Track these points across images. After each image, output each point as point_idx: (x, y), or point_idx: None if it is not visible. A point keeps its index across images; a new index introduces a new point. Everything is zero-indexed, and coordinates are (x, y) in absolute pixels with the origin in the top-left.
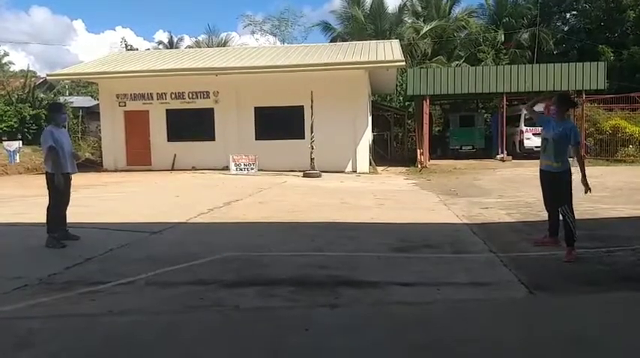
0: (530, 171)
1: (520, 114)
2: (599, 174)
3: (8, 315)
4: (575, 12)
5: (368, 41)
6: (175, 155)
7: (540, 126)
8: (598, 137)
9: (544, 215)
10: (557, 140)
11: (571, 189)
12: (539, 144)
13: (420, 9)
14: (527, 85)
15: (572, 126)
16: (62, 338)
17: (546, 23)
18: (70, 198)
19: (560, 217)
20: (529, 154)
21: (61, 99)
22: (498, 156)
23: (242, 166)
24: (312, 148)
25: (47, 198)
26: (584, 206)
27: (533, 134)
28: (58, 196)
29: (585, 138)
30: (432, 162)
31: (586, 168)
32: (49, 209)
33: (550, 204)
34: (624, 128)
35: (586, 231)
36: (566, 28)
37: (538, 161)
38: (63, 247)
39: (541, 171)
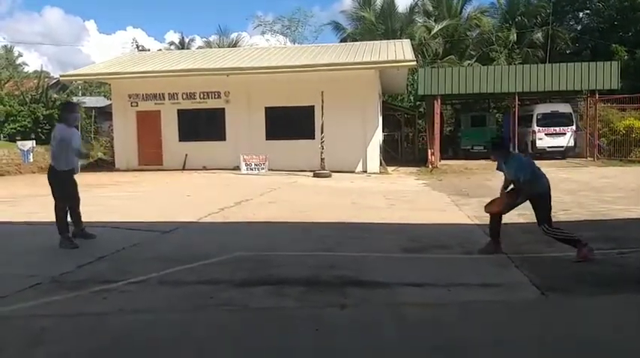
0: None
1: (532, 114)
2: (613, 174)
3: (22, 313)
4: (588, 11)
5: (379, 41)
6: (187, 155)
7: (555, 125)
8: (611, 137)
9: (556, 216)
10: (515, 181)
11: (549, 205)
12: (551, 144)
13: (431, 8)
14: (540, 85)
15: (512, 161)
16: (74, 337)
17: (559, 22)
18: (80, 196)
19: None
20: (541, 154)
21: (74, 99)
22: None
23: (252, 166)
24: (323, 148)
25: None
26: (597, 206)
27: (546, 134)
28: (64, 193)
29: (599, 138)
30: (443, 162)
31: (599, 168)
32: (56, 208)
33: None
34: (638, 128)
35: (599, 232)
36: (579, 28)
37: (550, 161)
38: (75, 248)
39: None
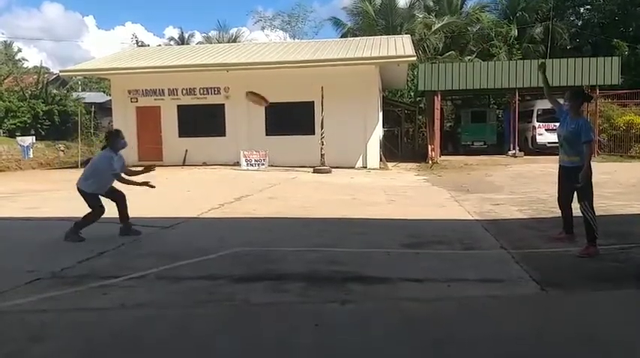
0: (542, 167)
1: (533, 110)
2: (613, 170)
3: (22, 308)
4: (589, 6)
5: (379, 36)
6: (186, 151)
7: (558, 119)
8: (612, 133)
9: (557, 211)
10: (570, 137)
11: (591, 186)
12: (551, 140)
13: (431, 4)
14: (540, 80)
15: (584, 122)
16: (74, 332)
17: (560, 18)
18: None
19: (580, 214)
20: (541, 150)
21: (74, 94)
22: (510, 152)
23: (253, 162)
24: (323, 144)
25: (60, 191)
26: (597, 202)
27: (546, 130)
28: (101, 210)
29: (599, 134)
30: (443, 158)
31: (599, 164)
32: (89, 217)
33: (564, 200)
34: (638, 124)
35: (599, 227)
36: (580, 23)
37: (550, 157)
38: (81, 240)
39: (559, 166)
